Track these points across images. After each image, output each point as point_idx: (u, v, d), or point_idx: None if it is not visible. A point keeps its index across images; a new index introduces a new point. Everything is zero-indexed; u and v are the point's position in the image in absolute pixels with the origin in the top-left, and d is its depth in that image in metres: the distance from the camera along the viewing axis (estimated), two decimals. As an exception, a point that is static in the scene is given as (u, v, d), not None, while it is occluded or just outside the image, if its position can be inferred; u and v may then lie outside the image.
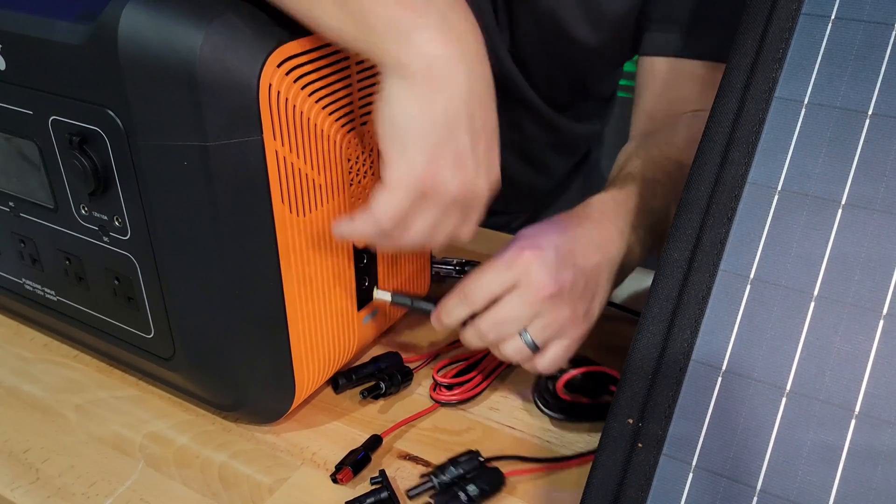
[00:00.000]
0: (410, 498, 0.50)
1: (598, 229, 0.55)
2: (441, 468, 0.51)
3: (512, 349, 0.52)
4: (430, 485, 0.50)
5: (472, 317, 0.52)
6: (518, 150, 0.90)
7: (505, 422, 0.57)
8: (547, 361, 0.53)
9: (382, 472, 0.51)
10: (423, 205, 0.45)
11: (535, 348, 0.52)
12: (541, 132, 0.87)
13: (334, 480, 0.51)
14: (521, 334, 0.51)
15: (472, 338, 0.53)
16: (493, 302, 0.51)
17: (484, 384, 0.59)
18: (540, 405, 0.57)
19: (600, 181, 0.82)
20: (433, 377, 0.59)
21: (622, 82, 1.02)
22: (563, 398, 0.56)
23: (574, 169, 0.99)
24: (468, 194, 0.45)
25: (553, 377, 0.57)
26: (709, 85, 0.68)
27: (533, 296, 0.50)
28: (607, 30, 0.72)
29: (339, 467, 0.52)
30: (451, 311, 0.53)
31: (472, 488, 0.49)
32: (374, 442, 0.54)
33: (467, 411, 0.58)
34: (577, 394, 0.57)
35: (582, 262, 0.52)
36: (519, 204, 0.98)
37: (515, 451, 0.54)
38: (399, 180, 0.44)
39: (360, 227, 0.47)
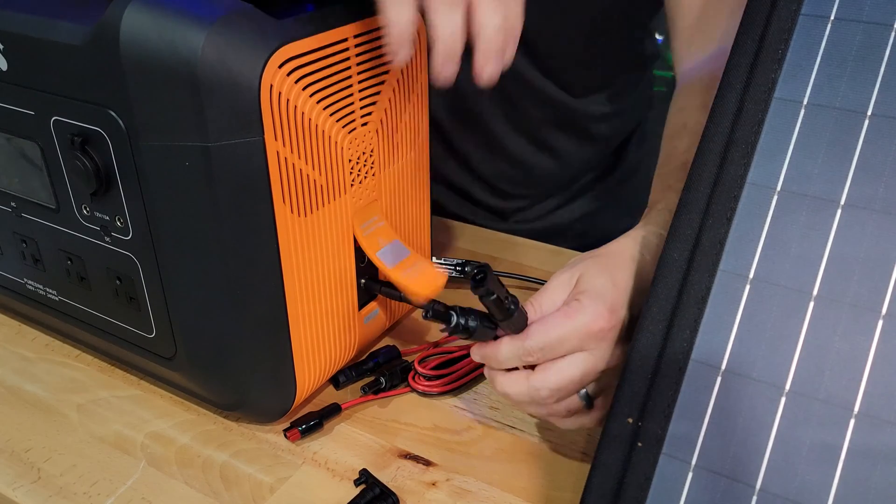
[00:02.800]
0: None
1: None
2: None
3: (564, 406, 0.49)
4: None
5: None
6: (515, 125, 0.86)
7: (505, 421, 0.57)
8: (598, 417, 0.50)
9: (364, 471, 0.51)
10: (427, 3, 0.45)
11: (590, 405, 0.50)
12: (535, 108, 0.85)
13: (285, 436, 0.55)
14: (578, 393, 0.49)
15: (520, 394, 0.49)
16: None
17: (462, 381, 0.60)
18: None
19: (641, 185, 0.78)
20: (414, 366, 0.59)
21: (657, 72, 1.00)
22: None
23: (607, 164, 0.95)
24: None
25: None
26: None
27: (599, 367, 0.48)
28: None
29: (291, 426, 0.55)
30: (502, 359, 0.49)
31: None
32: (333, 410, 0.56)
33: (468, 411, 0.58)
34: None
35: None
36: (534, 188, 0.94)
37: (515, 451, 0.54)
38: None
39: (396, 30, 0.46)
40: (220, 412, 0.57)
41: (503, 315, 0.46)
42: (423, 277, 0.56)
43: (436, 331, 0.66)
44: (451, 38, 0.46)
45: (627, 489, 0.40)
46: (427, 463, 0.53)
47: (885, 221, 0.40)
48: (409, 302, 0.58)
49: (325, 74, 0.48)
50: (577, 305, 0.48)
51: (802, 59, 0.44)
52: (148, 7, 0.43)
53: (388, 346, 0.62)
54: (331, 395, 0.59)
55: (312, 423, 0.55)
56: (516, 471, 0.53)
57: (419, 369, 0.59)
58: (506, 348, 0.49)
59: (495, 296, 0.44)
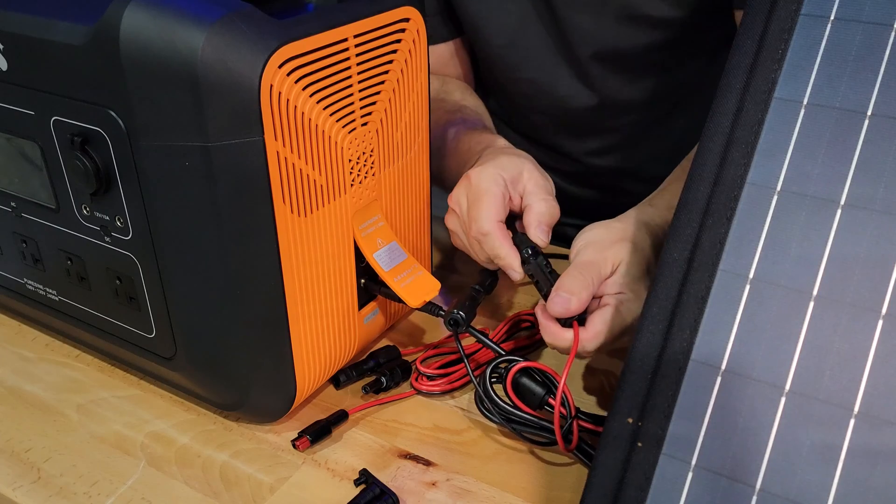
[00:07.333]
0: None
1: None
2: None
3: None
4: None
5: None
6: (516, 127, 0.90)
7: (505, 421, 0.57)
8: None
9: (364, 471, 0.51)
10: None
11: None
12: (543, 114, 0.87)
13: (294, 446, 0.54)
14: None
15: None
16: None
17: (465, 379, 0.60)
18: (482, 409, 0.55)
19: None
20: (416, 367, 0.59)
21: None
22: (506, 401, 0.53)
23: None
24: None
25: (501, 377, 0.55)
26: None
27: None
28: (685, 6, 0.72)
29: (300, 435, 0.54)
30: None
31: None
32: (340, 416, 0.56)
33: (468, 411, 0.58)
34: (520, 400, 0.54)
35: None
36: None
37: (515, 451, 0.54)
38: None
39: None
40: (220, 412, 0.57)
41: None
42: (415, 285, 0.57)
43: (435, 331, 0.66)
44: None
45: (627, 489, 0.40)
46: (427, 463, 0.53)
47: (885, 221, 0.40)
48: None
49: (325, 74, 0.48)
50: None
51: (802, 59, 0.44)
52: (148, 7, 0.43)
53: (387, 346, 0.62)
54: (332, 395, 0.59)
55: (321, 430, 0.55)
56: (516, 471, 0.52)
57: (422, 370, 0.59)
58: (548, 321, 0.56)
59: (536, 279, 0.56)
